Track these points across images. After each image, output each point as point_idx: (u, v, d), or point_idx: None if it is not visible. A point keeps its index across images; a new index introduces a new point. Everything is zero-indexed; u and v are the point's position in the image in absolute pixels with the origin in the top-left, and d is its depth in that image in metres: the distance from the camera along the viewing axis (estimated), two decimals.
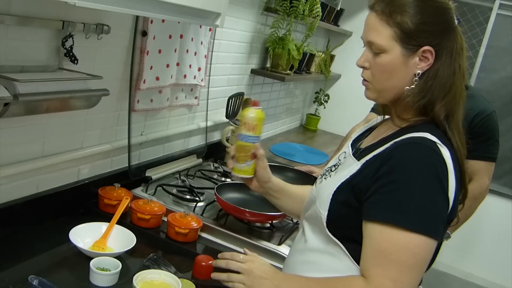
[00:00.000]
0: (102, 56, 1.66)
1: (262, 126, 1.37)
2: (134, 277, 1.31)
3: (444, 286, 3.85)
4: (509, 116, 3.92)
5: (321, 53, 3.78)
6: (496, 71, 3.96)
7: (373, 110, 2.73)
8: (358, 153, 1.25)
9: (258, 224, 1.83)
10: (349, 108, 4.07)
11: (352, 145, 1.33)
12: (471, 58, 3.95)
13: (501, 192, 3.90)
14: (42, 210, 1.59)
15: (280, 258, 1.64)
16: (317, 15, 2.87)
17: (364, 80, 1.22)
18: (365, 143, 1.30)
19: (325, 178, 1.31)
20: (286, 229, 1.84)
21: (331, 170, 1.31)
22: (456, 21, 1.18)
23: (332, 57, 4.00)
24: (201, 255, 1.52)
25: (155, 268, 1.43)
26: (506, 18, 3.84)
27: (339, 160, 1.31)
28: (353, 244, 1.16)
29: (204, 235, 1.73)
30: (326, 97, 4.12)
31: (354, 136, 1.41)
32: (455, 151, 1.15)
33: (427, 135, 1.12)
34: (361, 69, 1.23)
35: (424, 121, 1.18)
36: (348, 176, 1.19)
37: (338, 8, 3.66)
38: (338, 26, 3.84)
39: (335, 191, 1.19)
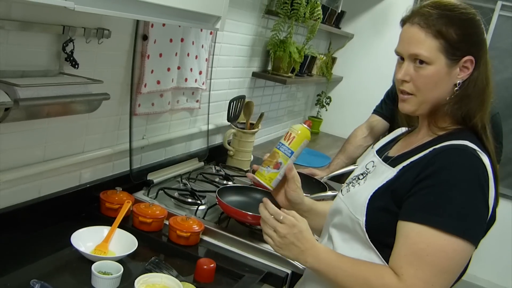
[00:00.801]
0: (102, 61, 1.66)
1: (300, 143, 1.36)
2: (136, 281, 1.31)
3: None
4: (510, 118, 3.91)
5: (322, 56, 3.78)
6: (498, 72, 3.95)
7: (375, 112, 2.73)
8: (389, 161, 1.27)
9: (260, 227, 1.82)
10: (351, 110, 4.07)
11: (378, 154, 1.35)
12: None
13: (505, 194, 3.88)
14: (44, 214, 1.59)
15: (282, 261, 1.64)
16: (318, 18, 2.87)
17: (406, 93, 1.23)
18: (394, 152, 1.32)
19: (353, 186, 1.31)
20: None
21: (358, 179, 1.31)
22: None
23: (333, 60, 4.01)
24: (203, 258, 1.52)
25: (157, 272, 1.43)
26: (508, 19, 3.84)
27: (367, 169, 1.32)
28: (388, 250, 1.17)
29: (206, 238, 1.73)
30: (328, 100, 4.12)
31: (377, 146, 1.42)
32: (491, 159, 1.18)
33: (467, 143, 1.15)
34: (395, 81, 1.26)
35: (461, 129, 1.21)
36: (384, 182, 1.20)
37: (339, 11, 3.66)
38: (340, 28, 3.84)
39: (371, 196, 1.20)
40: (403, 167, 1.20)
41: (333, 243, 1.30)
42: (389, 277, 1.11)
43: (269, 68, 2.97)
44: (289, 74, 2.95)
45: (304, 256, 1.23)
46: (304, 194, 1.46)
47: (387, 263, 1.17)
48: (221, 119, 2.60)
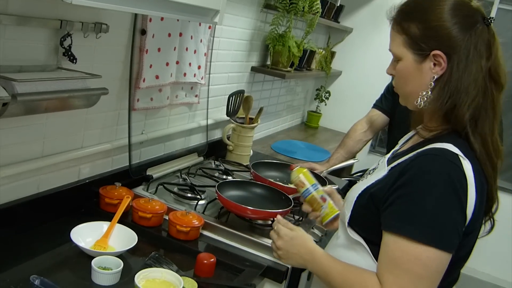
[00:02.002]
0: (101, 55, 1.66)
1: (308, 177, 1.54)
2: (136, 276, 1.31)
3: None
4: (509, 112, 3.90)
5: (321, 50, 3.77)
6: None
7: (375, 106, 2.73)
8: (391, 158, 1.29)
9: (260, 222, 1.82)
10: (350, 104, 4.07)
11: (393, 151, 1.37)
12: None
13: (505, 187, 3.89)
14: (43, 210, 1.59)
15: None
16: (317, 12, 2.86)
17: (394, 87, 1.28)
18: (401, 149, 1.34)
19: (361, 180, 1.34)
20: None
21: (369, 173, 1.34)
22: (479, 21, 1.15)
23: (332, 54, 3.99)
24: (203, 253, 1.52)
25: (157, 267, 1.43)
26: (508, 12, 3.83)
27: (378, 164, 1.34)
28: (374, 246, 1.20)
29: (205, 233, 1.73)
30: (327, 94, 4.11)
31: (401, 142, 1.43)
32: (479, 161, 1.15)
33: (449, 147, 1.12)
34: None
35: (448, 131, 1.18)
36: (373, 181, 1.23)
37: (338, 4, 3.65)
38: (339, 22, 3.83)
39: (359, 194, 1.24)
40: (391, 168, 1.21)
41: (338, 233, 1.36)
42: (372, 285, 1.14)
43: (268, 62, 2.96)
44: (288, 69, 2.95)
45: (304, 262, 1.34)
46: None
47: (375, 256, 1.20)
48: (220, 114, 2.59)
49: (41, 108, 1.34)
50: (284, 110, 3.70)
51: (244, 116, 2.58)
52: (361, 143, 2.67)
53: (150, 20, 1.82)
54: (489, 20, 1.17)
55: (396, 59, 1.22)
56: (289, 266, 1.62)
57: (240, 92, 2.53)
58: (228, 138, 2.54)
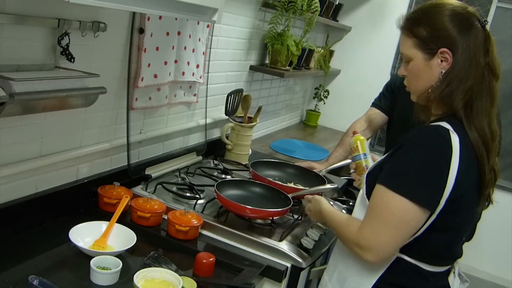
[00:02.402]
0: (99, 54, 1.65)
1: (363, 146, 1.72)
2: (135, 275, 1.30)
3: None
4: (510, 109, 3.90)
5: (320, 49, 3.76)
6: None
7: (374, 105, 2.72)
8: None
9: (259, 221, 1.82)
10: (349, 103, 4.06)
11: None
12: None
13: (503, 186, 3.88)
14: (41, 210, 1.58)
15: (281, 254, 1.63)
16: (316, 10, 2.85)
17: (407, 86, 1.46)
18: None
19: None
20: (286, 225, 1.84)
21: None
22: (476, 23, 1.34)
23: (331, 53, 3.99)
24: (202, 252, 1.52)
25: (156, 266, 1.43)
26: (506, 11, 3.82)
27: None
28: None
29: (204, 232, 1.72)
30: (326, 93, 4.10)
31: None
32: (470, 140, 1.31)
33: (442, 123, 1.31)
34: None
35: (448, 114, 1.34)
36: (382, 158, 1.46)
37: (337, 3, 3.65)
38: (337, 21, 3.83)
39: (370, 170, 1.47)
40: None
41: (355, 207, 1.49)
42: (353, 226, 1.37)
43: (267, 61, 2.95)
44: (287, 67, 2.94)
45: (317, 217, 1.64)
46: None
47: None
48: (219, 113, 2.59)
49: (39, 108, 1.34)
50: (282, 109, 3.70)
51: (243, 115, 2.58)
52: None
53: (149, 19, 1.81)
54: (484, 22, 1.37)
55: (407, 60, 1.40)
56: (289, 265, 1.62)
57: (239, 91, 2.52)
58: (227, 137, 2.53)
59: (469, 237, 2.44)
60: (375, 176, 1.37)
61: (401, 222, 1.27)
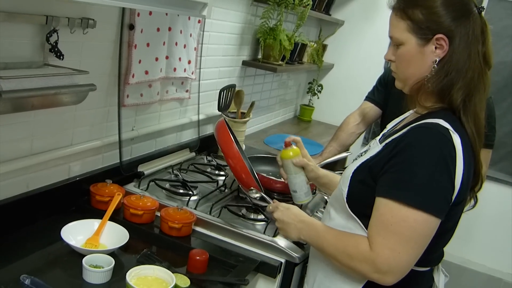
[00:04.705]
0: (88, 51, 1.63)
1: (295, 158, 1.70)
2: (128, 273, 1.29)
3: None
4: (504, 102, 3.90)
5: (313, 43, 3.75)
6: None
7: (367, 98, 2.72)
8: (382, 138, 1.36)
9: (252, 217, 1.81)
10: (343, 97, 4.05)
11: (387, 132, 1.43)
12: None
13: (498, 178, 3.88)
14: (33, 208, 1.57)
15: (275, 249, 1.63)
16: (308, 4, 2.84)
17: (393, 72, 1.35)
18: (395, 128, 1.41)
19: (352, 162, 1.40)
20: None
21: (360, 155, 1.39)
22: (474, 9, 1.25)
23: (324, 47, 3.97)
24: (195, 249, 1.51)
25: (149, 264, 1.42)
26: (500, 2, 3.82)
27: (369, 146, 1.40)
28: (368, 220, 1.25)
29: (198, 229, 1.71)
30: (320, 87, 4.09)
31: (389, 126, 1.49)
32: (468, 137, 1.23)
33: (441, 122, 1.20)
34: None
35: (442, 108, 1.26)
36: (368, 157, 1.30)
37: None
38: (330, 15, 3.82)
39: (355, 170, 1.31)
40: (386, 143, 1.27)
41: (329, 213, 1.40)
42: (363, 246, 1.21)
43: (259, 56, 2.94)
44: (280, 62, 2.93)
45: (299, 231, 1.42)
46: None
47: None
48: (212, 108, 2.57)
49: (28, 106, 1.32)
50: (276, 104, 3.69)
51: (236, 110, 2.57)
52: (354, 135, 2.66)
53: (138, 14, 1.79)
54: (481, 9, 1.27)
55: (397, 44, 1.29)
56: (283, 261, 1.61)
57: (231, 86, 2.51)
58: None
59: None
60: (361, 178, 1.28)
61: (422, 236, 1.17)
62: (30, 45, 1.42)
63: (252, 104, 2.59)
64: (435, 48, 1.24)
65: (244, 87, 2.93)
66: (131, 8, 1.75)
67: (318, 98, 4.11)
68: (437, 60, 1.24)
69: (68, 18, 1.47)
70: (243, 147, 2.59)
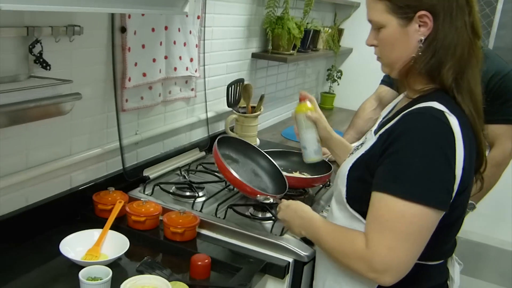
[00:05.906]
0: (78, 59, 1.60)
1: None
2: (122, 285, 1.26)
3: (479, 256, 3.70)
4: None
5: (327, 29, 3.64)
6: None
7: (383, 82, 2.63)
8: (378, 127, 1.28)
9: (260, 215, 1.75)
10: (364, 82, 3.90)
11: (379, 123, 1.35)
12: (488, 16, 3.74)
13: None
14: (33, 222, 1.55)
15: (283, 249, 1.56)
16: None
17: (378, 57, 1.27)
18: (387, 117, 1.33)
19: (349, 156, 1.34)
20: None
21: (357, 148, 1.32)
22: None
23: (340, 31, 3.85)
24: (197, 254, 1.46)
25: (149, 273, 1.38)
26: None
27: (365, 138, 1.33)
28: None
29: (203, 231, 1.67)
30: (339, 74, 3.98)
31: (383, 114, 1.41)
32: (467, 117, 1.14)
33: (434, 104, 1.12)
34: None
35: (434, 89, 1.17)
36: (363, 152, 1.22)
37: None
38: None
39: (350, 167, 1.24)
40: (380, 134, 1.20)
41: (333, 212, 1.33)
42: (358, 243, 1.14)
43: (270, 47, 2.86)
44: (290, 52, 2.84)
45: (299, 228, 1.39)
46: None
47: None
48: (222, 105, 2.51)
49: (10, 120, 1.29)
50: (295, 94, 3.59)
51: (245, 105, 2.51)
52: (371, 121, 2.56)
53: (129, 16, 1.75)
54: None
55: (378, 28, 1.21)
56: (291, 260, 1.55)
57: (240, 81, 2.44)
58: (232, 130, 2.46)
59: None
60: (359, 176, 1.21)
61: (421, 231, 1.09)
62: (13, 58, 1.39)
63: (262, 97, 2.52)
64: (419, 26, 1.15)
65: (257, 79, 2.86)
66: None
67: (338, 84, 4.00)
68: (423, 39, 1.15)
69: (51, 27, 1.44)
70: (257, 142, 2.53)
